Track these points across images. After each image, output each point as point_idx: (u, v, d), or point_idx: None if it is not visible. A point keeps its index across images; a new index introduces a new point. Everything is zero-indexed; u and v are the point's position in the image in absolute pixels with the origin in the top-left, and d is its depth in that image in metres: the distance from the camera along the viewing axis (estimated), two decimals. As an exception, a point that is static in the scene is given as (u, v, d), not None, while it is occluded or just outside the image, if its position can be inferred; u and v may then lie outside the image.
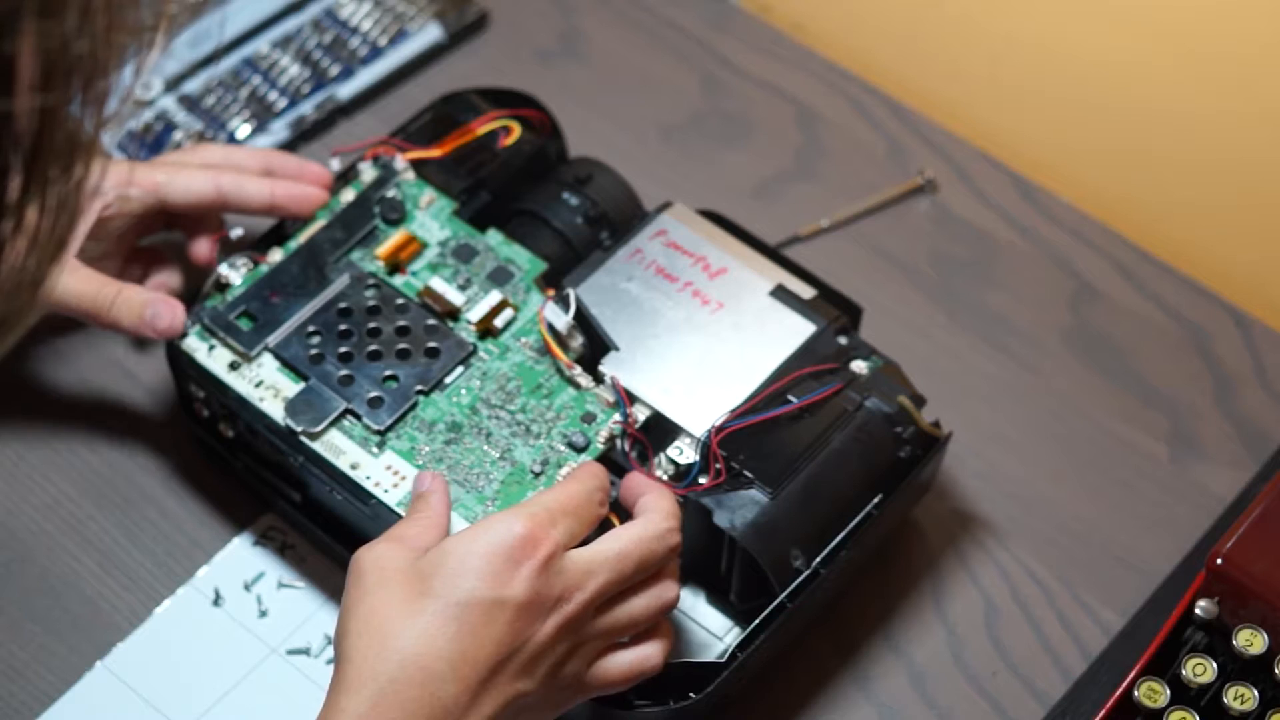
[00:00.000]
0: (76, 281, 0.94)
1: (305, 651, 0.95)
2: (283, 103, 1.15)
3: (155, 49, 0.63)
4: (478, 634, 0.80)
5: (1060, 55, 1.17)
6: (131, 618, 0.96)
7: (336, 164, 1.03)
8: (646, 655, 0.87)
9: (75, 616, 0.96)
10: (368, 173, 1.01)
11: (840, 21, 1.25)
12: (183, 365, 0.95)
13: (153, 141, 1.13)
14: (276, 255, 0.98)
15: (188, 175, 0.98)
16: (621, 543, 0.85)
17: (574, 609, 0.83)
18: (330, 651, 0.95)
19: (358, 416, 0.92)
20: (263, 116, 1.14)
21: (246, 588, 0.97)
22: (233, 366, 0.94)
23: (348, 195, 1.00)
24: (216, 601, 0.97)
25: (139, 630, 0.95)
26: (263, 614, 0.96)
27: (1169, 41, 1.12)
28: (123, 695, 0.94)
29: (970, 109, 1.21)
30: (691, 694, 0.89)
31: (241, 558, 0.98)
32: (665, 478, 0.92)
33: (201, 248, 1.00)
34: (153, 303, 0.94)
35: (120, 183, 0.97)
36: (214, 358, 0.94)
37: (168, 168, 0.99)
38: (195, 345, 0.95)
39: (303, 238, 0.98)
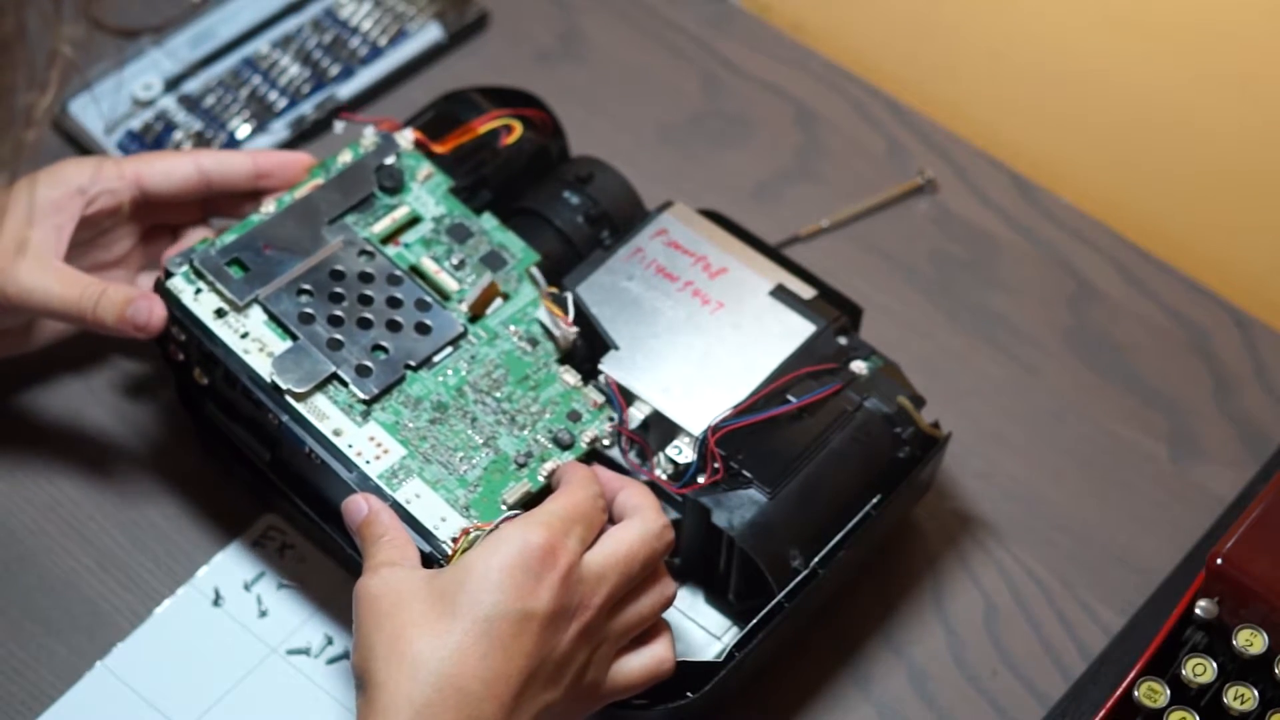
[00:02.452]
0: (60, 285, 0.94)
1: (305, 651, 0.95)
2: (283, 103, 1.15)
3: (49, 91, 0.63)
4: (508, 649, 0.80)
5: (1060, 55, 1.17)
6: (131, 618, 0.96)
7: (340, 128, 1.02)
8: (661, 657, 0.87)
9: (75, 616, 0.96)
10: (368, 138, 1.01)
11: (840, 21, 1.25)
12: (166, 305, 0.94)
13: (153, 141, 1.13)
14: (270, 207, 0.97)
15: (167, 159, 0.98)
16: (627, 544, 0.85)
17: (592, 615, 0.83)
18: (330, 651, 0.95)
19: (344, 383, 0.92)
20: (263, 116, 1.14)
21: (246, 588, 0.97)
22: (219, 314, 0.93)
23: (345, 157, 1.00)
24: (216, 601, 0.97)
25: (139, 630, 0.95)
26: (263, 614, 0.96)
27: (1169, 42, 1.12)
28: (123, 695, 0.94)
29: (970, 109, 1.21)
30: (689, 693, 0.89)
31: (241, 558, 0.98)
32: (664, 477, 0.92)
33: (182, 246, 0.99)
34: (133, 300, 0.93)
35: (100, 178, 0.96)
36: (200, 302, 0.93)
37: (146, 156, 0.99)
38: (182, 286, 0.94)
39: (298, 194, 0.98)
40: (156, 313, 0.93)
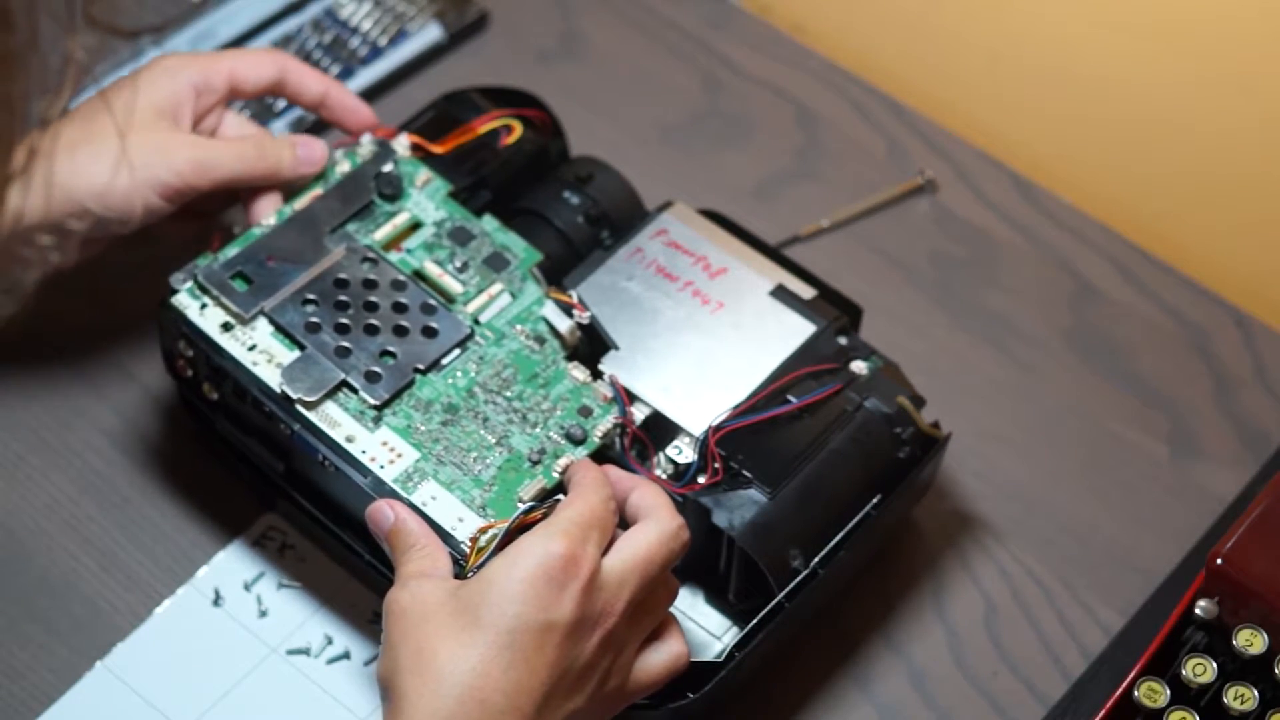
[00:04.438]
0: (229, 148, 0.96)
1: (305, 651, 0.95)
2: (282, 103, 1.15)
3: (62, 95, 0.63)
4: (530, 661, 0.80)
5: (1060, 55, 1.17)
6: (131, 618, 0.96)
7: (340, 154, 1.03)
8: (677, 652, 0.87)
9: (75, 616, 0.96)
10: (366, 147, 1.01)
11: (840, 21, 1.25)
12: (172, 322, 0.94)
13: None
14: (271, 219, 0.97)
15: (256, 61, 0.99)
16: (646, 548, 0.85)
17: (614, 622, 0.83)
18: (330, 651, 0.95)
19: (354, 389, 0.92)
20: (263, 116, 1.14)
21: (246, 588, 0.97)
22: (225, 328, 0.93)
23: (344, 167, 1.00)
24: (216, 601, 0.97)
25: (139, 630, 0.95)
26: (263, 614, 0.96)
27: (1169, 42, 1.12)
28: (123, 695, 0.94)
29: (970, 109, 1.21)
30: (689, 693, 0.89)
31: (241, 558, 0.98)
32: (664, 477, 0.92)
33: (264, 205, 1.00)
34: (296, 144, 0.98)
35: (202, 80, 0.97)
36: (206, 317, 0.93)
37: (237, 55, 1.00)
38: (187, 303, 0.94)
39: (298, 205, 0.98)
40: (320, 147, 0.98)
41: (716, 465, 0.92)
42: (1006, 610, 0.99)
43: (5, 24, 0.60)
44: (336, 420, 0.91)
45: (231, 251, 0.95)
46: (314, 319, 0.94)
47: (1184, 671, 0.90)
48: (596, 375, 0.95)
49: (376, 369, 0.92)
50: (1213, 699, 0.90)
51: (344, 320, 0.94)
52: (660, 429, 0.94)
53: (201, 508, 1.00)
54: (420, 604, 0.82)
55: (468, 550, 0.86)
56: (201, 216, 1.01)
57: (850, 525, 0.92)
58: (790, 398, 0.94)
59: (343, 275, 0.95)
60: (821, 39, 1.24)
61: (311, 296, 0.94)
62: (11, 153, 0.62)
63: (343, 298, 0.95)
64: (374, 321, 0.94)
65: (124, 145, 0.94)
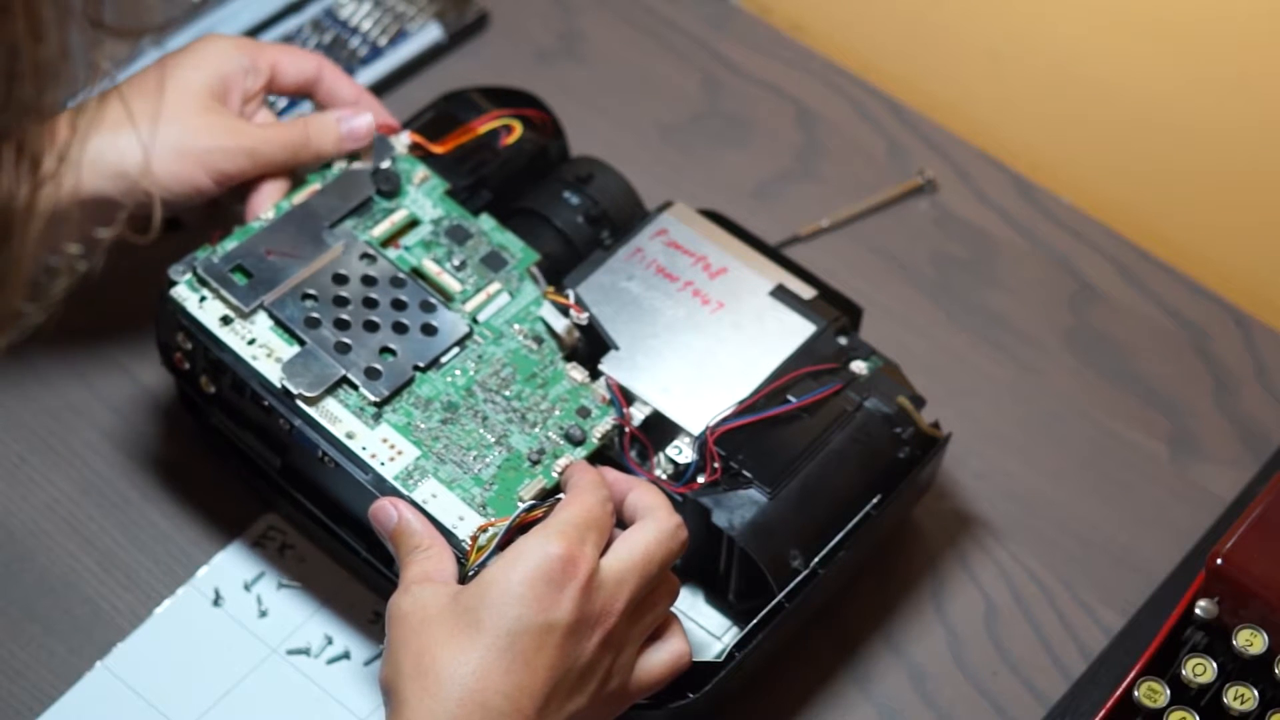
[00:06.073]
0: (276, 130, 0.97)
1: (305, 651, 0.95)
2: (283, 103, 1.15)
3: (90, 104, 0.64)
4: (531, 663, 0.80)
5: (1060, 56, 1.17)
6: (131, 618, 0.96)
7: None
8: (679, 651, 0.87)
9: (75, 616, 0.96)
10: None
11: (840, 21, 1.25)
12: (170, 314, 0.94)
13: (153, 141, 1.13)
14: (270, 213, 0.97)
15: (298, 57, 1.01)
16: (645, 547, 0.85)
17: (614, 621, 0.83)
18: (330, 651, 0.95)
19: (354, 386, 0.92)
20: (263, 117, 1.14)
21: (246, 588, 0.97)
22: (225, 321, 0.93)
23: (341, 162, 1.00)
24: (216, 601, 0.97)
25: (139, 630, 0.95)
26: (263, 614, 0.96)
27: (1169, 42, 1.12)
28: (123, 695, 0.94)
29: (970, 109, 1.21)
30: (689, 693, 0.89)
31: (241, 558, 0.98)
32: (664, 476, 0.92)
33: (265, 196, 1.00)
34: (342, 117, 0.98)
35: (250, 64, 0.98)
36: (205, 309, 0.93)
37: (280, 48, 1.01)
38: (186, 295, 0.94)
39: (297, 199, 0.98)
40: (366, 120, 0.99)
41: (716, 465, 0.92)
42: (1006, 610, 0.99)
43: (37, 35, 0.60)
44: (337, 416, 0.91)
45: (231, 245, 0.95)
46: (313, 314, 0.93)
47: (1184, 671, 0.90)
48: (597, 375, 0.95)
49: (376, 366, 0.92)
50: (1213, 699, 0.90)
51: (344, 316, 0.94)
52: (660, 429, 0.94)
53: (201, 508, 1.00)
54: (421, 609, 0.82)
55: (468, 548, 0.87)
56: (216, 203, 1.01)
57: (850, 525, 0.92)
58: (790, 397, 0.94)
59: (342, 271, 0.95)
60: (821, 39, 1.24)
61: (311, 292, 0.94)
62: (43, 159, 0.63)
63: (342, 293, 0.95)
64: (373, 318, 0.94)
65: (184, 126, 0.95)
